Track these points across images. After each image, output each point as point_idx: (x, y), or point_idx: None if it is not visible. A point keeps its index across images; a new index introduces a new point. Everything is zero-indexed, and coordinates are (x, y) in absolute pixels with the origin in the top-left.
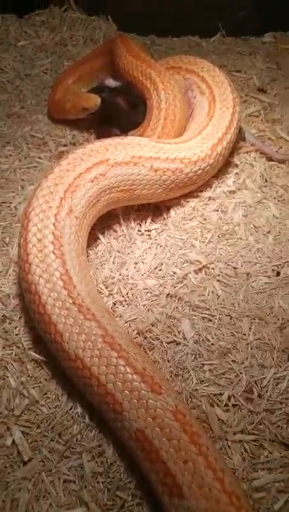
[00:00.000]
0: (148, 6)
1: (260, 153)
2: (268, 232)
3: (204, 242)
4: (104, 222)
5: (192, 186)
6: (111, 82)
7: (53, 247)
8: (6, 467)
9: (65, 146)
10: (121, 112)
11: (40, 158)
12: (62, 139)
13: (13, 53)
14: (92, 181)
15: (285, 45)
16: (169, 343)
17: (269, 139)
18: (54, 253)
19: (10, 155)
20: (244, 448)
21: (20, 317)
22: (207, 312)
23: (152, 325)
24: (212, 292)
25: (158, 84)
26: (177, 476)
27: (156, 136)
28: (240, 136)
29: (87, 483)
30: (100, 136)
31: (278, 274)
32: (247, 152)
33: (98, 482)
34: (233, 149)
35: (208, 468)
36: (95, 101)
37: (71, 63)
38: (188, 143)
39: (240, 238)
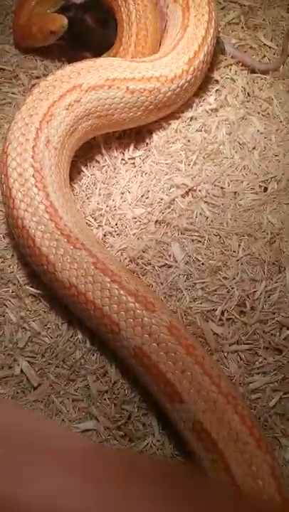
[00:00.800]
0: None
1: (242, 65)
2: (254, 148)
3: (189, 164)
4: (86, 154)
5: (172, 107)
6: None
7: (34, 180)
8: (17, 393)
9: (37, 78)
10: (91, 31)
11: (13, 93)
12: (34, 70)
13: None
14: (67, 109)
15: None
16: (160, 266)
17: (251, 47)
18: (36, 186)
19: None
20: (240, 357)
21: (12, 255)
22: (196, 234)
23: (143, 251)
24: (200, 214)
25: (129, 2)
26: (176, 384)
27: (130, 55)
28: (219, 49)
29: (95, 401)
30: (72, 61)
31: (265, 189)
32: (228, 66)
33: (105, 399)
34: (213, 64)
35: (205, 374)
36: (61, 22)
37: None
38: (163, 59)
39: (226, 157)
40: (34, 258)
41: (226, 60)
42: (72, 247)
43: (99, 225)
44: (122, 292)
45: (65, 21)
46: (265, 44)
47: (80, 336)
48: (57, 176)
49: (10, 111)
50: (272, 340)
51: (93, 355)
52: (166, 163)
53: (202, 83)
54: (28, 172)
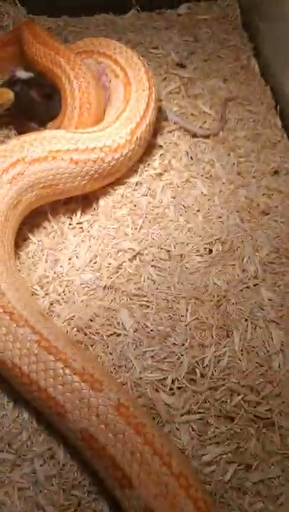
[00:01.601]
0: None
1: (184, 130)
2: (198, 210)
3: (136, 228)
4: (32, 220)
5: (117, 174)
6: (22, 74)
7: None
8: None
9: None
10: (37, 105)
11: None
12: None
13: None
14: (10, 182)
15: (201, 16)
16: (109, 335)
17: (192, 114)
18: None
19: None
20: (191, 427)
21: None
22: (144, 299)
23: (91, 320)
24: (148, 278)
25: (69, 72)
26: (125, 468)
27: (74, 126)
28: (162, 116)
29: (42, 488)
30: (18, 131)
31: (210, 251)
32: (170, 131)
33: (52, 485)
34: (156, 130)
35: (155, 454)
36: (7, 96)
37: None
38: (106, 130)
39: (171, 220)
40: None
41: (169, 126)
42: (15, 325)
43: (46, 294)
44: (67, 372)
45: (12, 95)
46: (204, 111)
47: (26, 416)
48: (1, 250)
49: None
50: (224, 408)
51: (40, 435)
52: (114, 228)
53: (147, 149)
54: None
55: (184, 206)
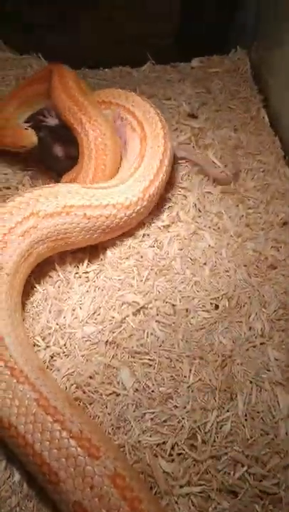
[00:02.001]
0: (77, 40)
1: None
2: (204, 263)
3: (142, 280)
4: (39, 269)
5: (128, 228)
6: (51, 121)
7: None
8: None
9: None
10: (57, 159)
11: None
12: None
13: None
14: (22, 235)
15: (213, 69)
16: (108, 394)
17: None
18: None
19: None
20: (191, 501)
21: None
22: (146, 357)
23: (91, 377)
24: (151, 334)
25: (88, 131)
26: None
27: (88, 182)
28: (175, 159)
29: None
30: (34, 177)
31: (217, 307)
32: (180, 183)
33: None
34: (166, 183)
35: None
36: (31, 139)
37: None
38: (120, 187)
39: (177, 273)
40: None
41: (179, 178)
42: (15, 381)
43: (47, 346)
44: (64, 435)
45: (35, 139)
46: (213, 162)
47: (16, 478)
48: (7, 303)
49: None
50: (226, 481)
51: (30, 501)
52: (119, 279)
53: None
54: None
55: (190, 259)
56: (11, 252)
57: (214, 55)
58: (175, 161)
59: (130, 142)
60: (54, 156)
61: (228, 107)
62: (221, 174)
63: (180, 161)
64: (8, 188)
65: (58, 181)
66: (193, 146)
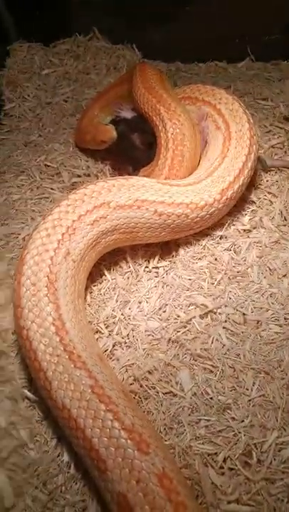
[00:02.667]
0: (173, 32)
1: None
2: (284, 275)
3: (213, 283)
4: (110, 258)
5: (199, 229)
6: (127, 114)
7: (47, 291)
8: None
9: (78, 176)
10: (137, 150)
11: (52, 189)
12: (77, 169)
13: (37, 82)
14: (92, 224)
15: None
16: (165, 393)
17: None
18: (48, 297)
19: (22, 185)
20: None
21: (17, 353)
22: (209, 363)
23: (149, 372)
24: (216, 340)
25: (166, 121)
26: None
27: (164, 176)
28: (260, 167)
29: None
30: (113, 167)
31: None
32: (267, 187)
33: None
34: (251, 184)
35: None
36: (110, 134)
37: (92, 92)
38: (196, 186)
39: (253, 281)
40: (33, 370)
41: (265, 182)
42: (72, 365)
43: (109, 334)
44: (115, 425)
45: (114, 134)
46: None
47: (66, 458)
48: (71, 288)
49: (46, 205)
50: (278, 507)
51: (76, 483)
52: (189, 279)
53: (238, 202)
54: (41, 282)
55: (269, 268)
56: (79, 239)
57: None
58: (265, 169)
59: (213, 140)
60: (132, 145)
61: None
62: None
63: (271, 169)
64: (88, 175)
65: (134, 175)
66: (286, 151)
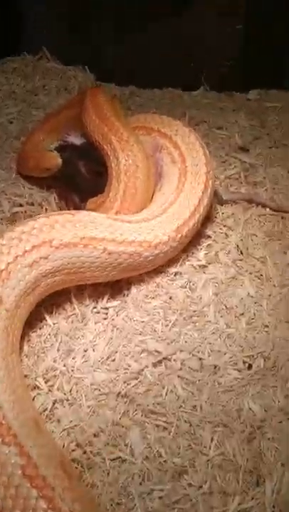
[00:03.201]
0: (127, 55)
1: (248, 202)
2: (241, 314)
3: (167, 325)
4: (52, 299)
5: (151, 267)
6: (75, 140)
7: None
8: None
9: (20, 205)
10: (83, 179)
11: None
12: (19, 197)
13: None
14: (30, 266)
15: (270, 103)
16: (112, 459)
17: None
18: None
19: None
20: None
21: None
22: (162, 419)
23: (95, 435)
24: (171, 392)
25: (118, 152)
26: None
27: (115, 210)
28: (216, 201)
29: None
30: (59, 196)
31: (250, 367)
32: (222, 220)
33: None
34: (207, 218)
35: None
36: (55, 161)
37: (41, 113)
38: (150, 222)
39: (209, 321)
40: None
41: (220, 215)
42: (0, 440)
43: (49, 390)
44: None
45: (59, 161)
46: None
47: None
48: (2, 343)
49: None
50: None
51: None
52: (142, 321)
53: (193, 237)
54: None
55: (226, 307)
56: (14, 283)
57: (272, 88)
58: (221, 202)
59: (168, 174)
60: (79, 173)
61: (282, 144)
62: (271, 201)
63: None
64: (32, 204)
65: (80, 207)
66: (242, 182)
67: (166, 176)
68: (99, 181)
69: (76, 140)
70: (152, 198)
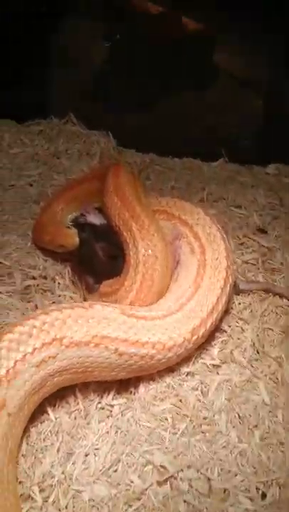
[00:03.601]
0: (150, 123)
1: (265, 291)
2: (255, 426)
3: (176, 433)
4: (56, 392)
5: (163, 368)
6: (95, 220)
7: None
8: None
9: (33, 278)
10: (99, 261)
11: (0, 292)
12: (32, 269)
13: (3, 160)
14: (37, 366)
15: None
16: None
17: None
18: None
19: None
20: None
21: None
22: None
23: None
24: None
25: (138, 241)
26: None
27: (130, 300)
28: (233, 291)
29: None
30: (73, 272)
31: (264, 496)
32: (238, 312)
33: None
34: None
35: None
36: (72, 241)
37: (61, 178)
38: (165, 320)
39: (220, 431)
40: None
41: (237, 308)
42: None
43: (44, 502)
44: None
45: (76, 241)
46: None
47: None
48: (1, 452)
49: None
50: None
51: None
52: (148, 426)
53: None
54: None
55: (239, 416)
56: (20, 385)
57: None
58: (238, 292)
59: (186, 264)
60: (95, 255)
61: None
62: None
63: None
64: (45, 277)
65: (94, 289)
66: (259, 268)
67: (184, 265)
68: (115, 264)
69: (96, 220)
70: (168, 286)
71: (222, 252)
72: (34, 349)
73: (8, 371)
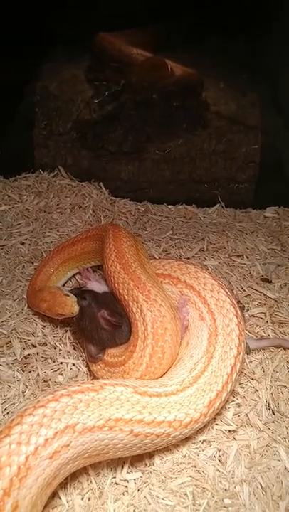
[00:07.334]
0: (141, 171)
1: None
2: (279, 497)
3: (197, 510)
4: None
5: (178, 441)
6: (96, 287)
7: None
8: None
9: (33, 347)
10: (100, 330)
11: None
12: (31, 337)
13: None
14: (50, 458)
15: (288, 222)
16: None
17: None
18: None
19: None
20: None
21: None
22: None
23: None
24: None
25: (145, 312)
26: None
27: (140, 374)
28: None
29: None
30: (74, 336)
31: None
32: (249, 374)
33: None
34: None
35: None
36: (71, 309)
37: (54, 234)
38: (180, 395)
39: (243, 504)
40: None
41: (249, 362)
42: None
43: None
44: None
45: (76, 309)
46: None
47: None
48: None
49: None
50: None
51: None
52: (167, 504)
53: None
54: None
55: (261, 486)
56: (32, 481)
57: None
58: (248, 351)
59: (196, 331)
60: (96, 323)
61: None
62: None
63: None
64: (45, 344)
65: (96, 358)
66: (267, 322)
67: (193, 332)
68: (118, 332)
69: (97, 287)
70: (178, 354)
71: (233, 319)
72: (46, 440)
73: (19, 468)
